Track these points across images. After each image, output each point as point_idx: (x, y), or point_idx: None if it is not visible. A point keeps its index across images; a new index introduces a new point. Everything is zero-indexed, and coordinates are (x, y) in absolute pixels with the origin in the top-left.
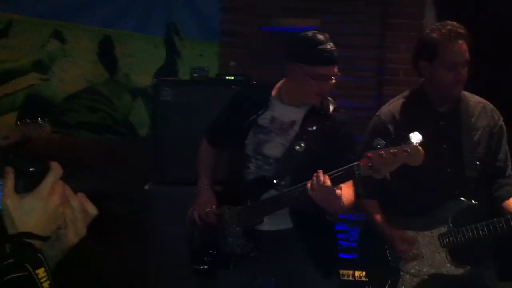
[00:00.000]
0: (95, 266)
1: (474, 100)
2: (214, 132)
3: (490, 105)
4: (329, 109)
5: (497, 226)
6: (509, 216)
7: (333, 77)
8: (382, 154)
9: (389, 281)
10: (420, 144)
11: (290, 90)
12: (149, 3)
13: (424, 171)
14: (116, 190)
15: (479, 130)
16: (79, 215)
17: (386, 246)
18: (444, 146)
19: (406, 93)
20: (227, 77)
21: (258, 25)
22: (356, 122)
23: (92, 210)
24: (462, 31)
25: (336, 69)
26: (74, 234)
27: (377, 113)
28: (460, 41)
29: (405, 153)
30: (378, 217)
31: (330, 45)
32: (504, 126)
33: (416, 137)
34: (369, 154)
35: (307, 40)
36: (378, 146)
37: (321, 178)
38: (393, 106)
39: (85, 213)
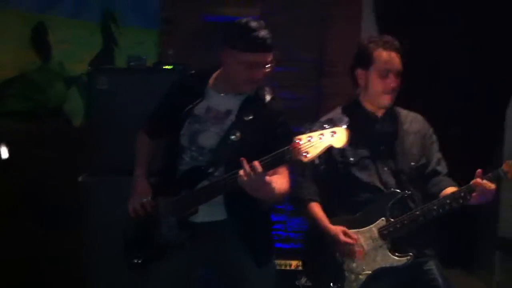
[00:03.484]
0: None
1: (405, 112)
2: (152, 122)
3: (420, 116)
4: (265, 98)
5: (432, 209)
6: (441, 199)
7: (266, 65)
8: (310, 137)
9: (337, 285)
10: (347, 127)
11: (224, 78)
12: None
13: (362, 171)
14: (49, 182)
15: (411, 134)
16: None
17: (332, 249)
18: (381, 147)
19: (342, 104)
20: (165, 66)
21: (198, 13)
22: (294, 113)
23: None
24: (396, 43)
25: (269, 57)
26: None
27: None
28: (394, 52)
29: (331, 136)
30: (321, 218)
31: (263, 32)
32: (434, 135)
33: (342, 120)
34: (298, 138)
35: (240, 27)
36: (308, 131)
37: (256, 166)
38: (331, 114)
39: None
